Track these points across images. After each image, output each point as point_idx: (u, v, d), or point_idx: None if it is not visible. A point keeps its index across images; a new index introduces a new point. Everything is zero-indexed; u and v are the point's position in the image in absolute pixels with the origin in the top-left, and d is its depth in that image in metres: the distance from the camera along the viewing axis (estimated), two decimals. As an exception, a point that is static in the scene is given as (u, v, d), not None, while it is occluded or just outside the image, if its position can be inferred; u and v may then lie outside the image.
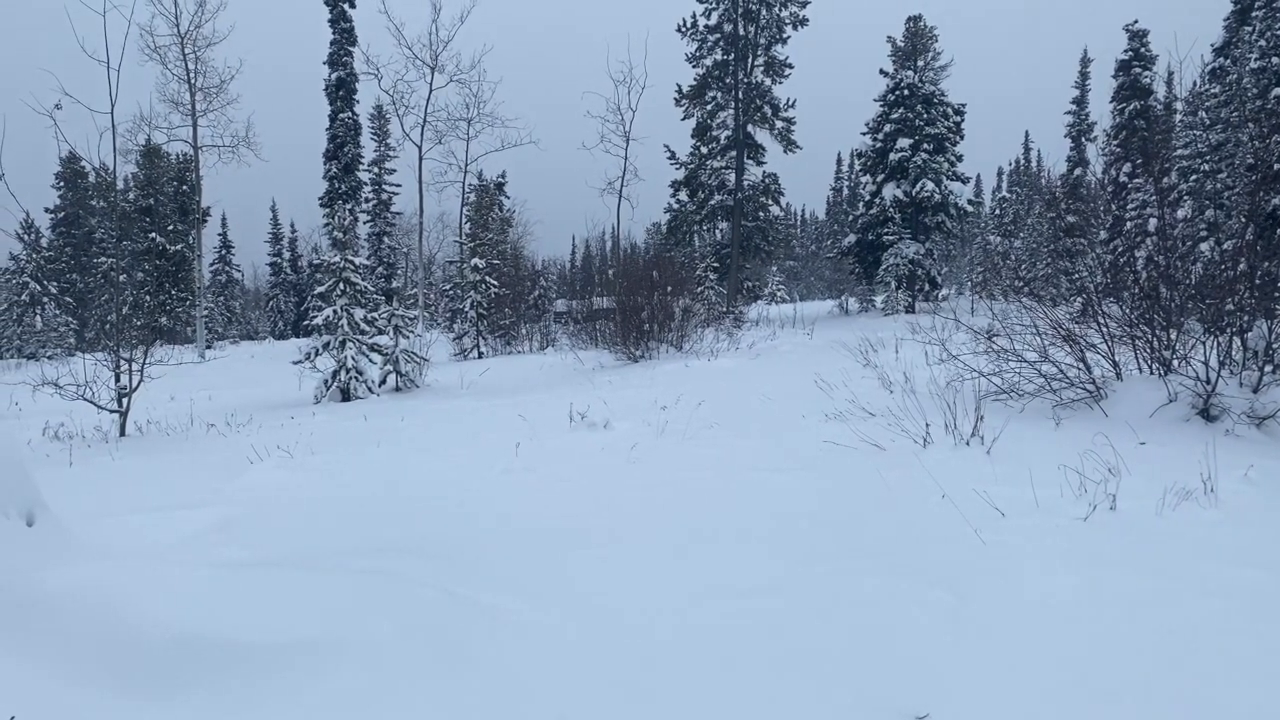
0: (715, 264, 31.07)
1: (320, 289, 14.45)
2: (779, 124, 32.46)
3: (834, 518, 4.74)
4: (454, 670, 3.00)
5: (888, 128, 30.97)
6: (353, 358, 13.72)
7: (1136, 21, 30.96)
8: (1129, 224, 23.45)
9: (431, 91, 37.03)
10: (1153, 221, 11.42)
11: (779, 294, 43.48)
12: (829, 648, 3.15)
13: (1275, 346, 6.89)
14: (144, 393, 11.37)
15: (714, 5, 32.07)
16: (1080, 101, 39.12)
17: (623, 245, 36.62)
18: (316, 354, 14.08)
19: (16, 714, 2.48)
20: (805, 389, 9.13)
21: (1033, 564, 3.85)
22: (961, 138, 31.52)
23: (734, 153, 32.47)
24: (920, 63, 31.82)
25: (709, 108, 32.66)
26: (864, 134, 32.48)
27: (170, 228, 45.54)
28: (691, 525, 4.77)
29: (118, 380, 10.91)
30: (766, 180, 32.80)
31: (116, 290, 13.38)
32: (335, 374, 13.72)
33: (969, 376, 8.10)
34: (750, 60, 32.22)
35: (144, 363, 11.08)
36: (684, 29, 32.51)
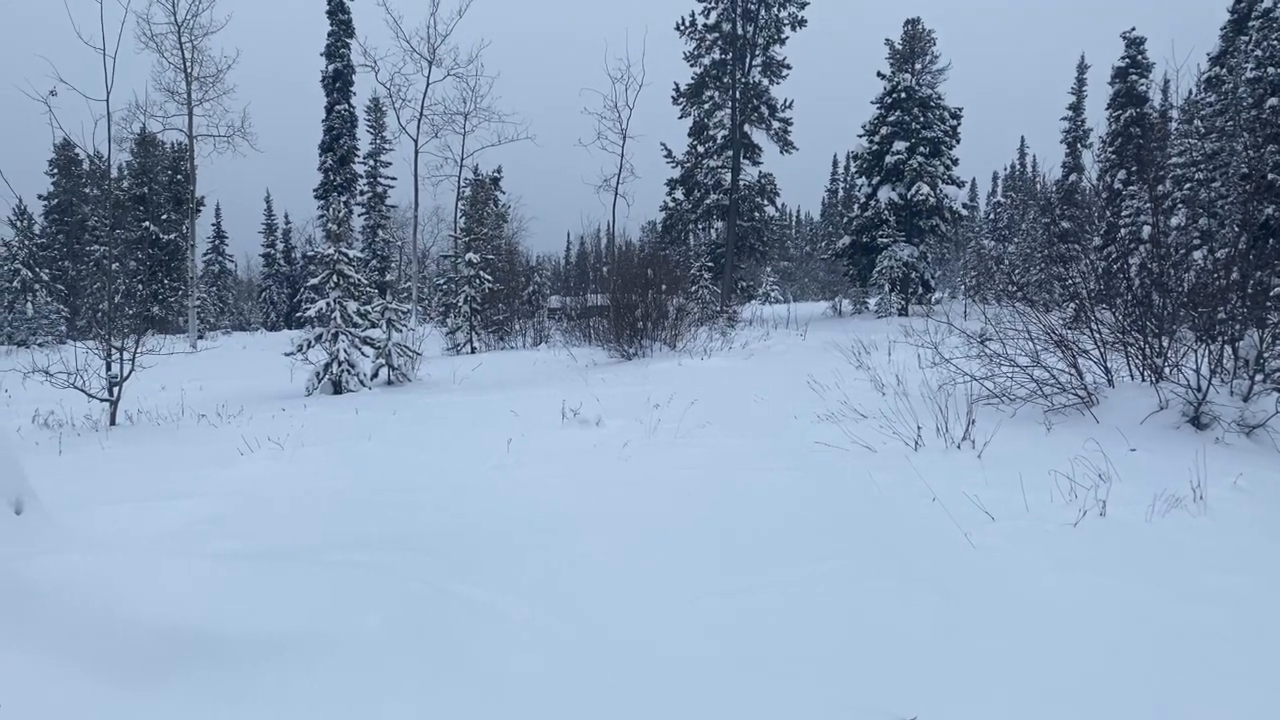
0: (710, 263, 31.09)
1: (313, 281, 14.39)
2: (776, 124, 32.48)
3: (824, 518, 4.75)
4: (442, 666, 2.99)
5: (884, 130, 30.98)
6: (345, 350, 13.68)
7: (1134, 29, 31.04)
8: (1123, 231, 23.54)
9: (429, 85, 37.11)
10: (1146, 229, 11.46)
11: (773, 294, 43.48)
12: (817, 648, 3.16)
13: (1266, 355, 6.91)
14: (135, 382, 11.31)
15: (713, 4, 32.06)
16: (1076, 108, 39.26)
17: (618, 242, 36.61)
18: (309, 346, 14.03)
19: (3, 704, 2.46)
20: (798, 389, 9.13)
21: (1022, 568, 3.86)
22: (958, 141, 31.59)
23: (730, 152, 32.47)
24: (918, 66, 31.89)
25: (706, 107, 32.66)
26: (860, 136, 32.51)
27: (164, 217, 45.33)
28: (682, 524, 4.77)
29: (109, 369, 10.87)
30: (762, 180, 32.84)
31: (109, 279, 13.32)
32: (327, 366, 13.68)
33: (961, 380, 8.11)
34: (748, 60, 32.22)
35: (135, 352, 11.03)
36: (682, 28, 32.50)
